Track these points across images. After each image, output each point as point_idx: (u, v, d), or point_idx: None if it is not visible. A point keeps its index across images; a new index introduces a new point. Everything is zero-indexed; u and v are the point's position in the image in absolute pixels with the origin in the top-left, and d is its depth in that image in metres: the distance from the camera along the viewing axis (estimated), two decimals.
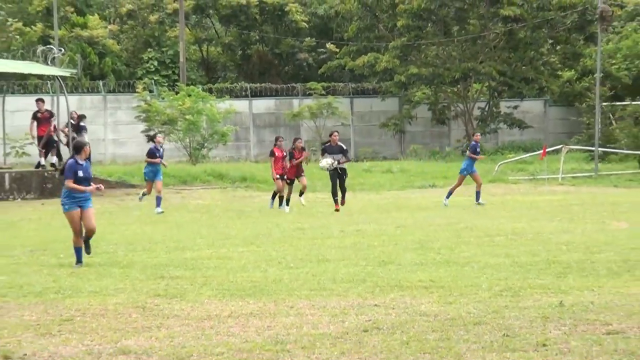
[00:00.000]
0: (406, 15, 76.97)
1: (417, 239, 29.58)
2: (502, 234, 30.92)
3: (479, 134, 42.98)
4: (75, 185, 23.83)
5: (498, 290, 19.72)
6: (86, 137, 51.67)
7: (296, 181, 43.84)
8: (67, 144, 52.96)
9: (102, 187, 26.78)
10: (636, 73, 75.99)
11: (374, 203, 45.42)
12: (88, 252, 24.98)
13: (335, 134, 39.72)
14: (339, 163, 34.96)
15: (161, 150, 44.41)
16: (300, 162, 44.44)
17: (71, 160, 23.78)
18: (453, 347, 14.74)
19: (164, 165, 44.47)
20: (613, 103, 73.29)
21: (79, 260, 24.48)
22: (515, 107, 79.30)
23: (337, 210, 39.49)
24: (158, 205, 42.60)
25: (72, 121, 54.73)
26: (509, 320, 16.52)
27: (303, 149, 46.16)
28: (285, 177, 43.87)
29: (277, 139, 45.91)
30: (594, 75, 71.14)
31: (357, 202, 47.11)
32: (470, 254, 25.71)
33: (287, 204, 43.14)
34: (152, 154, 43.53)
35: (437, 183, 57.50)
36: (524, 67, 78.42)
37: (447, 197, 42.41)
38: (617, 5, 79.03)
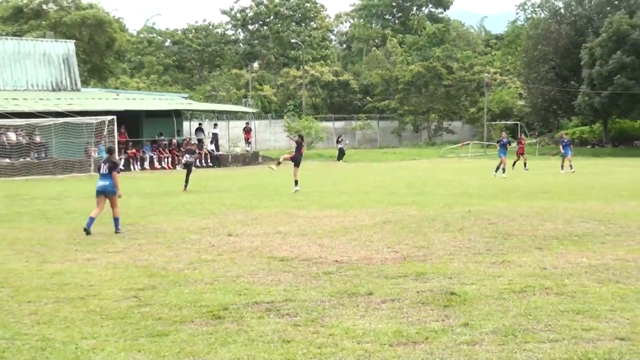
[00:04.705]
0: (402, 83, 76.53)
1: (406, 183, 29.39)
2: (444, 180, 30.71)
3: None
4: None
5: (442, 204, 19.58)
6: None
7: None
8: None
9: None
10: (501, 109, 75.14)
11: (387, 167, 45.10)
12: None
13: (195, 142, 32.55)
14: (195, 160, 30.52)
15: (504, 140, 34.21)
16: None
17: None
18: (422, 229, 14.70)
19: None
20: (491, 122, 72.46)
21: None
22: (449, 124, 78.54)
23: (185, 190, 27.05)
24: (498, 170, 33.40)
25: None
26: (447, 218, 16.43)
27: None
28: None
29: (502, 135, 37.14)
30: (483, 110, 70.49)
31: (380, 166, 46.92)
32: (431, 189, 25.52)
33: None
34: (499, 141, 34.40)
35: (415, 158, 57.04)
36: (453, 107, 77.72)
37: (496, 171, 33.50)
38: (493, 79, 78.06)
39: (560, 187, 25.54)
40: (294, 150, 26.97)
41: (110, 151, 16.36)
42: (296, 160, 26.32)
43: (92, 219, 15.34)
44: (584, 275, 9.91)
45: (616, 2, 66.25)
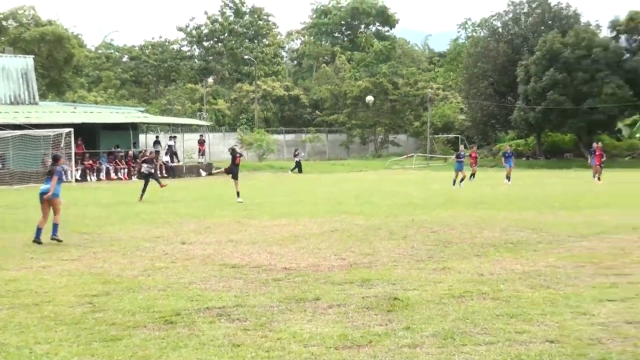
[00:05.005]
0: (350, 98, 76.76)
1: (353, 194, 29.46)
2: (389, 191, 30.85)
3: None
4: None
5: (387, 214, 19.68)
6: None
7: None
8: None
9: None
10: (443, 123, 75.78)
11: (337, 178, 45.21)
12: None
13: (152, 151, 31.85)
14: (154, 170, 29.94)
15: (463, 153, 34.70)
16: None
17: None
18: (368, 238, 14.75)
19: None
20: (434, 135, 73.11)
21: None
22: (395, 137, 79.00)
23: (140, 200, 26.46)
24: (458, 182, 33.26)
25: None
26: (392, 227, 16.50)
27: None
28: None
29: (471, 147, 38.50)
30: (427, 124, 71.09)
31: (329, 177, 46.97)
32: (377, 200, 25.61)
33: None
34: (457, 156, 34.78)
35: (362, 170, 57.23)
36: (398, 121, 78.15)
37: (461, 182, 33.50)
38: (436, 94, 78.72)
39: (498, 198, 25.85)
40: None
41: (55, 159, 15.85)
42: (231, 172, 26.16)
43: (39, 230, 14.94)
44: (517, 281, 10.04)
45: (550, 22, 67.52)
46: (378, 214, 19.79)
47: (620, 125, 67.75)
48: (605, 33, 64.05)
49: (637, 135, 68.50)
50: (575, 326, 7.57)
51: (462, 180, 33.93)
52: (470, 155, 38.54)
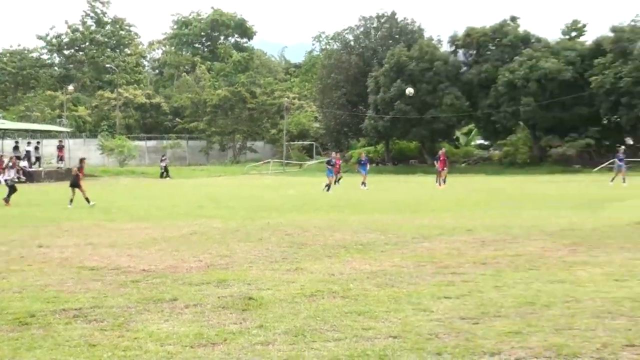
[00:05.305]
0: (210, 106, 76.18)
1: (212, 198, 29.21)
2: (247, 196, 30.78)
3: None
4: None
5: (245, 217, 19.58)
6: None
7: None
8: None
9: None
10: (299, 131, 76.63)
11: (196, 183, 44.68)
12: None
13: (14, 159, 31.18)
14: (18, 179, 29.04)
15: (333, 160, 34.98)
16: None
17: None
18: (225, 240, 14.62)
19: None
20: (290, 142, 73.76)
21: None
22: (253, 144, 79.07)
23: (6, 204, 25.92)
24: (330, 189, 33.20)
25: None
26: (249, 229, 16.43)
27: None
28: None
29: (335, 153, 38.27)
30: (283, 131, 71.57)
31: (189, 182, 46.44)
32: (235, 203, 25.50)
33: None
34: (328, 162, 35.20)
35: (221, 175, 56.91)
36: (256, 128, 78.23)
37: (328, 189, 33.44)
38: (292, 103, 79.36)
39: (350, 202, 26.28)
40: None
41: None
42: (72, 183, 25.61)
43: None
44: (365, 280, 10.20)
45: (397, 36, 69.65)
46: (235, 218, 19.67)
47: (458, 133, 70.68)
48: (445, 47, 66.65)
49: (472, 143, 71.76)
50: (415, 322, 7.75)
51: (328, 185, 33.85)
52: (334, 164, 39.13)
